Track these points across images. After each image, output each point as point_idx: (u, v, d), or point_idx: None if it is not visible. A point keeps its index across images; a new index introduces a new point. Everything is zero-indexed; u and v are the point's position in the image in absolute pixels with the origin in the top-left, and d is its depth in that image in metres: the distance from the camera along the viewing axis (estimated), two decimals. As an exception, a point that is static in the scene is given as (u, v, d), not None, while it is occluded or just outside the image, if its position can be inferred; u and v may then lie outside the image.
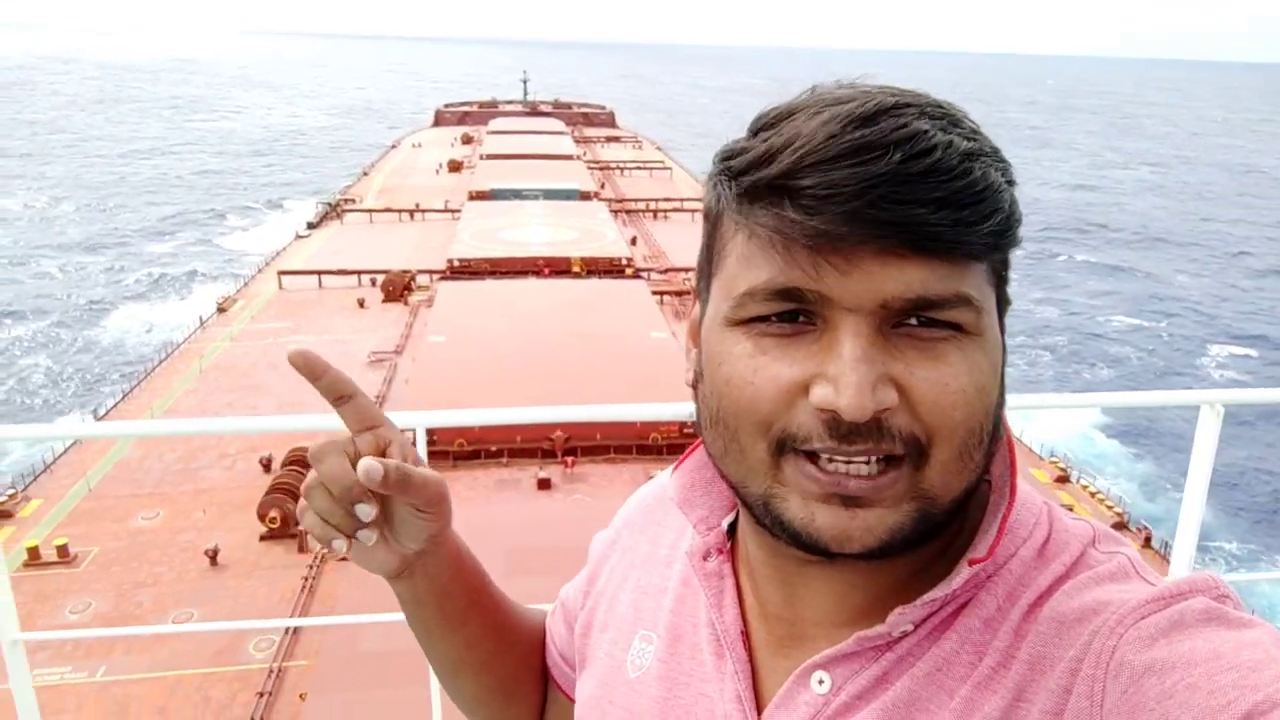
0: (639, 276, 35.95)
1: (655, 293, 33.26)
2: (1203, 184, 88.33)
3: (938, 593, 0.65)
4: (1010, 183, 0.63)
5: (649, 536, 0.91)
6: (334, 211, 48.12)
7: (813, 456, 0.62)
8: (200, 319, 31.48)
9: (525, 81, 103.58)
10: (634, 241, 41.88)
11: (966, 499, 0.66)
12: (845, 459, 0.61)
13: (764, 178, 0.61)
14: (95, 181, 71.49)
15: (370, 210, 47.83)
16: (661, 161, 67.64)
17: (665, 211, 49.87)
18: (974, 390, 0.61)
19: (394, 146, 75.91)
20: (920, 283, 0.59)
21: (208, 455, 21.05)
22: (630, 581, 0.89)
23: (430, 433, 14.77)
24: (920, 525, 0.63)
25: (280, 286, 34.21)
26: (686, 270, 37.35)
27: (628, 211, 49.42)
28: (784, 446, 0.62)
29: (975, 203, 0.59)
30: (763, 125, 0.65)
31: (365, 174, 61.82)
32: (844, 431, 0.60)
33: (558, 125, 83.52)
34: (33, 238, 53.71)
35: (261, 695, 13.54)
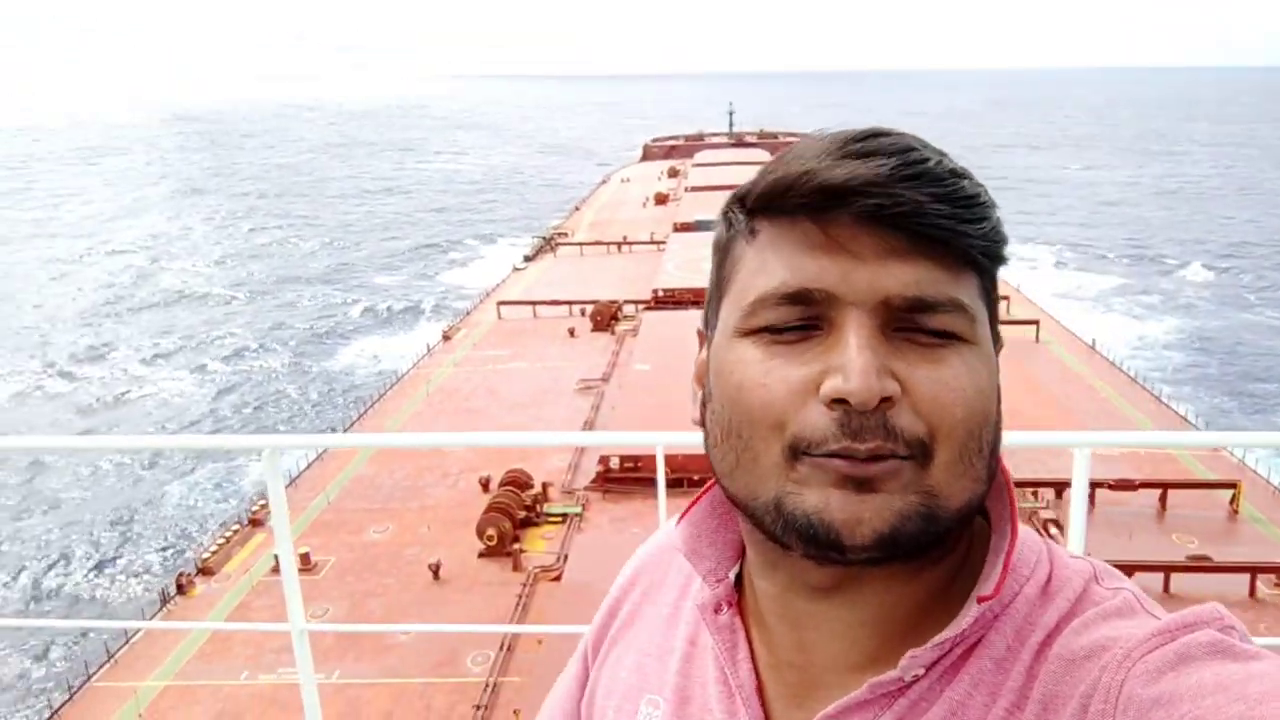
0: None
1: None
2: None
3: (948, 633, 0.66)
4: (994, 206, 0.68)
5: (650, 597, 0.91)
6: (548, 245, 50.22)
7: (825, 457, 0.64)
8: (428, 346, 33.60)
9: (731, 114, 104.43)
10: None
11: (969, 517, 0.68)
12: (860, 458, 0.63)
13: (774, 193, 0.68)
14: (334, 220, 77.82)
15: (581, 243, 49.58)
16: (867, 189, 66.33)
17: (872, 240, 48.84)
18: (973, 391, 0.64)
19: (604, 182, 78.39)
20: (917, 283, 0.63)
21: (432, 474, 22.32)
22: (634, 645, 0.89)
23: (636, 459, 15.11)
24: (927, 522, 0.64)
25: (499, 316, 36.02)
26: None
27: (831, 240, 48.74)
28: (797, 451, 0.65)
29: (968, 205, 0.64)
30: (769, 166, 0.71)
31: (577, 209, 64.21)
32: (854, 427, 0.62)
33: (762, 156, 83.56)
34: (282, 272, 59.07)
35: (478, 708, 14.13)
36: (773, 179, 0.69)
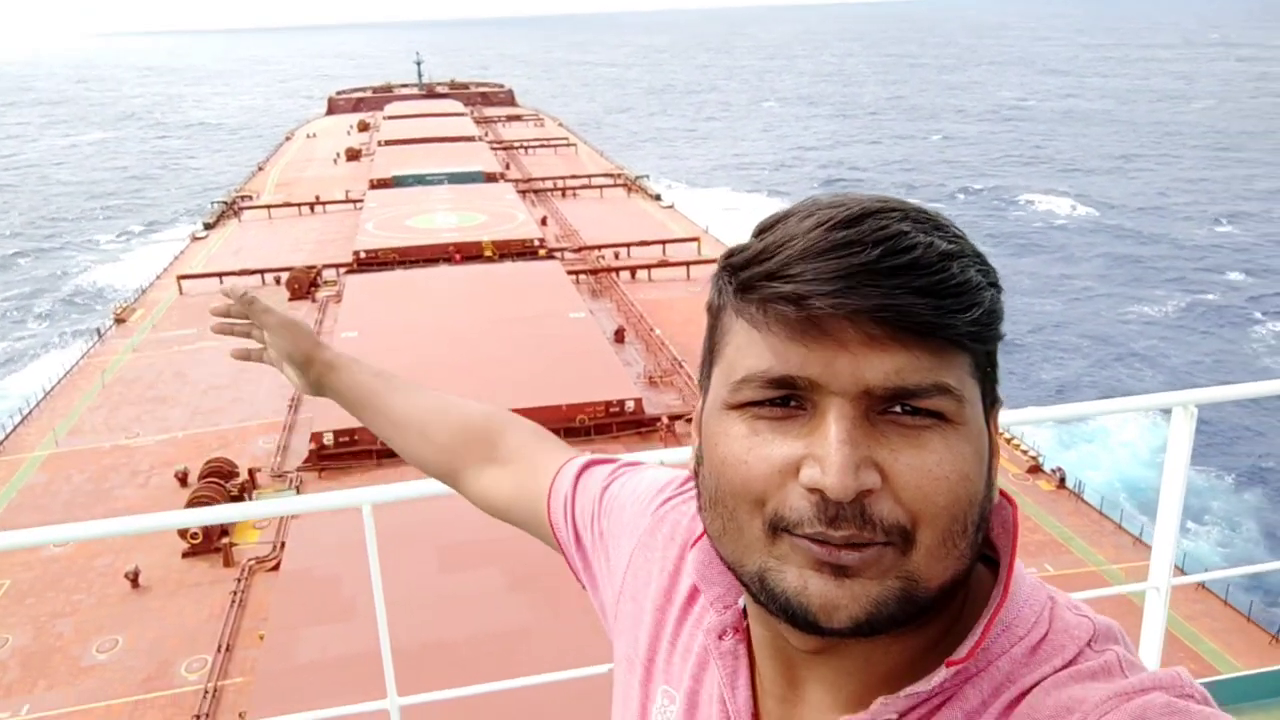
0: (552, 257, 35.68)
1: (570, 272, 33.02)
2: None
3: (919, 688, 0.68)
4: (993, 284, 0.67)
5: (665, 571, 0.92)
6: (231, 210, 46.54)
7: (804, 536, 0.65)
8: (99, 331, 30.18)
9: (419, 64, 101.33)
10: (544, 221, 41.52)
11: (954, 589, 0.68)
12: (835, 544, 0.64)
13: (759, 273, 0.67)
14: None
15: (268, 206, 46.42)
16: (566, 138, 67.08)
17: (574, 189, 49.50)
18: (957, 477, 0.65)
19: (288, 138, 73.74)
20: (898, 372, 0.63)
21: (120, 474, 20.27)
22: (644, 624, 0.92)
23: (352, 433, 14.51)
24: (905, 605, 0.65)
25: (180, 292, 33.02)
26: (599, 248, 37.21)
27: (535, 191, 48.96)
28: (777, 528, 0.66)
29: (955, 294, 0.63)
30: (762, 228, 0.70)
31: (260, 168, 59.90)
32: (831, 515, 0.63)
33: (456, 106, 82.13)
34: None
35: (198, 718, 13.17)
36: (761, 260, 0.67)
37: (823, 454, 0.63)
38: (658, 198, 48.04)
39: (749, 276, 0.68)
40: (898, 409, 0.64)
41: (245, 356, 1.45)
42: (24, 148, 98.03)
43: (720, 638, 0.81)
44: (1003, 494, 0.74)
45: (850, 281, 0.62)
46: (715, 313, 0.73)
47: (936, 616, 0.71)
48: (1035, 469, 20.80)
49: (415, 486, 1.79)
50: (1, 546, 1.54)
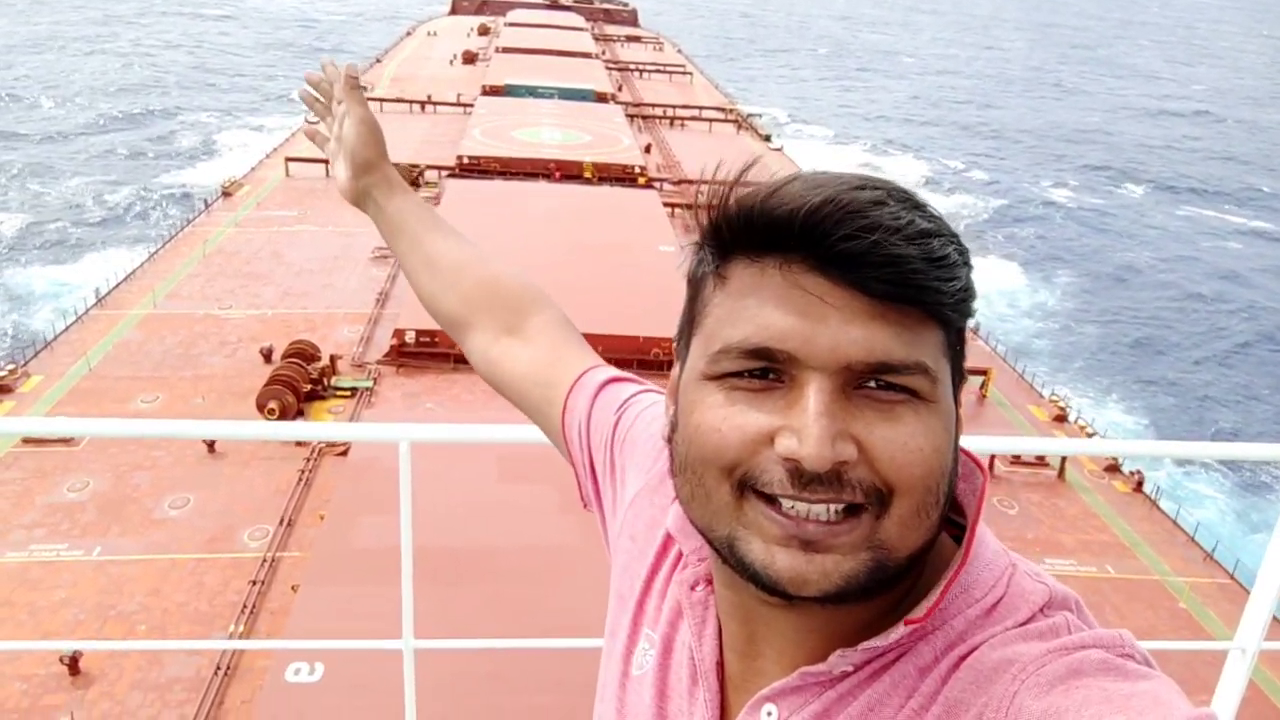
0: (651, 186, 35.37)
1: (667, 204, 32.73)
2: None
3: (875, 643, 0.70)
4: (967, 264, 0.68)
5: (657, 520, 0.91)
6: (345, 98, 47.15)
7: (772, 501, 0.66)
8: (205, 202, 31.12)
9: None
10: (648, 149, 41.09)
11: (921, 556, 0.70)
12: (806, 505, 0.65)
13: (737, 242, 0.69)
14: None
15: (381, 99, 46.79)
16: (683, 66, 65.95)
17: (683, 119, 48.77)
18: (930, 450, 0.66)
19: (409, 33, 74.08)
20: (881, 347, 0.65)
21: (209, 342, 21.05)
22: (643, 565, 0.92)
23: (433, 334, 14.76)
24: (875, 575, 0.67)
25: (287, 174, 33.75)
26: (701, 183, 36.65)
27: (644, 117, 48.36)
28: (745, 487, 0.67)
29: (936, 269, 0.65)
30: (748, 201, 0.70)
31: (378, 60, 60.39)
32: (806, 481, 0.64)
33: (578, 21, 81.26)
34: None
35: (254, 584, 13.79)
36: (739, 229, 0.69)
37: (801, 426, 0.64)
38: (768, 138, 47.11)
39: (726, 247, 0.70)
40: (872, 384, 0.65)
41: (313, 136, 1.44)
42: (149, 17, 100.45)
43: (693, 589, 0.83)
44: (976, 462, 0.76)
45: (829, 250, 0.64)
46: (695, 284, 0.74)
47: (898, 584, 0.72)
48: (1113, 468, 20.18)
49: (457, 430, 1.77)
50: (89, 432, 1.60)
